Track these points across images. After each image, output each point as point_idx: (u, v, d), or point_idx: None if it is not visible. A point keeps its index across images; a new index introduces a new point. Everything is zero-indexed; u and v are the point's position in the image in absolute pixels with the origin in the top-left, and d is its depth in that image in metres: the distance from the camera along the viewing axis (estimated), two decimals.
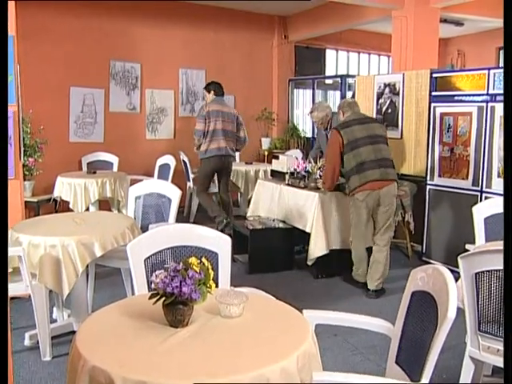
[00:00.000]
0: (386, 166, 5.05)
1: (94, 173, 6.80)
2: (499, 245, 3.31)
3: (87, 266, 3.90)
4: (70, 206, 6.43)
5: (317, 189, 5.58)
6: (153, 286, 2.13)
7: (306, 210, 5.56)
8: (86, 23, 8.15)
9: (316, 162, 5.69)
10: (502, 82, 4.11)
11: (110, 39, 8.42)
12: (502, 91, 5.35)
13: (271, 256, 5.78)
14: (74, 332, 3.49)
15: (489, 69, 5.53)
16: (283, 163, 6.34)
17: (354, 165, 5.00)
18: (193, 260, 2.15)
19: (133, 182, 5.33)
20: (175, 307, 2.09)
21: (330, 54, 11.55)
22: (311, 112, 6.32)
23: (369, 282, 5.15)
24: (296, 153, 8.57)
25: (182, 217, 7.93)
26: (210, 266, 2.20)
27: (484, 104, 5.46)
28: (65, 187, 6.46)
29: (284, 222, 5.95)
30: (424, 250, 6.20)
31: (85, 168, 7.68)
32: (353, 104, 5.37)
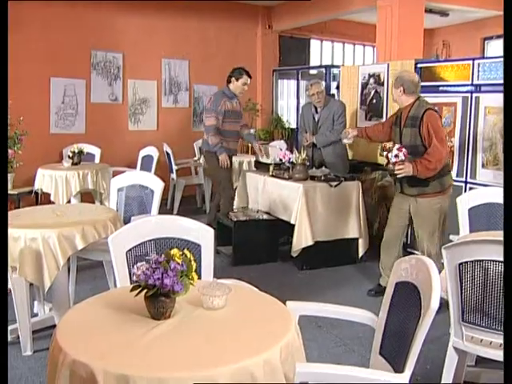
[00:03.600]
0: None
1: (77, 164, 6.72)
2: (483, 235, 3.32)
3: (69, 259, 3.85)
4: (52, 198, 6.35)
5: (301, 179, 5.55)
6: (134, 278, 2.10)
7: (291, 201, 5.53)
8: (66, 12, 8.03)
9: (300, 152, 5.66)
10: (502, 75, 4.05)
11: (91, 29, 8.31)
12: (486, 81, 5.36)
13: (255, 248, 5.76)
14: (55, 326, 3.45)
15: (473, 59, 5.53)
16: (267, 154, 6.33)
17: (448, 158, 4.64)
18: (175, 252, 2.12)
19: (115, 174, 5.27)
20: (157, 299, 2.06)
21: (314, 44, 11.51)
22: (312, 84, 6.24)
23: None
24: (280, 144, 8.56)
25: (165, 209, 7.88)
26: (192, 258, 2.17)
27: (469, 94, 5.46)
28: (46, 179, 6.38)
29: (268, 213, 5.93)
30: (408, 241, 6.20)
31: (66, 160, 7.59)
32: (419, 85, 4.69)
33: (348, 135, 5.01)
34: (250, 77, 6.41)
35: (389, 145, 4.44)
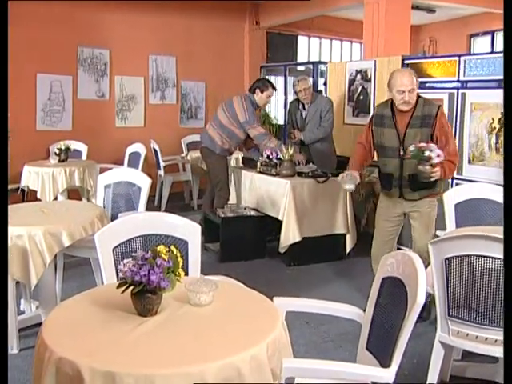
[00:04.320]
0: None
1: (63, 161, 6.69)
2: (469, 230, 3.34)
3: (55, 257, 3.84)
4: (38, 195, 6.32)
5: (288, 176, 5.56)
6: (121, 274, 2.10)
7: (278, 197, 5.54)
8: (52, 9, 7.97)
9: (287, 149, 5.67)
10: (503, 69, 4.05)
11: (78, 25, 8.26)
12: (472, 78, 5.38)
13: (243, 244, 5.76)
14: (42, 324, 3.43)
15: (459, 55, 5.56)
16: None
17: None
18: (161, 248, 2.12)
19: (102, 171, 5.25)
20: (144, 296, 2.06)
21: (302, 41, 11.51)
22: (299, 81, 6.25)
23: None
24: None
25: (152, 206, 7.86)
26: (178, 254, 2.17)
27: (455, 91, 5.48)
28: (32, 176, 6.35)
29: (256, 209, 5.93)
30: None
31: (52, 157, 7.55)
32: None
33: (348, 182, 4.20)
34: (275, 89, 6.32)
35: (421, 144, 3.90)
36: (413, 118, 4.08)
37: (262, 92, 6.12)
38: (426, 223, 4.25)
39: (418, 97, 4.14)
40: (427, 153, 3.81)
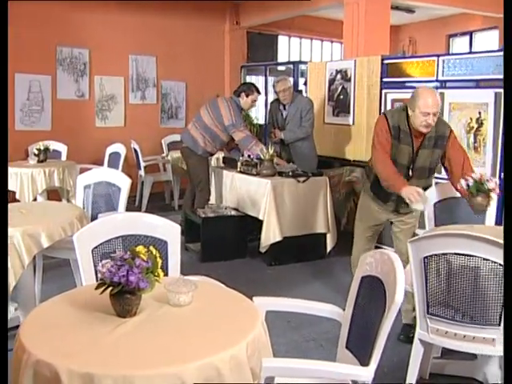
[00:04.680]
0: None
1: (42, 161, 6.63)
2: (447, 229, 3.37)
3: (34, 258, 3.80)
4: (17, 196, 6.25)
5: (268, 175, 5.56)
6: (99, 275, 2.08)
7: (259, 197, 5.54)
8: (31, 8, 7.89)
9: (268, 149, 5.68)
10: (505, 67, 4.07)
11: (57, 24, 8.19)
12: (451, 78, 5.43)
13: (224, 244, 5.75)
14: None
15: (438, 55, 5.60)
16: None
17: None
18: (140, 248, 2.11)
19: (82, 171, 5.21)
20: (122, 297, 2.05)
21: (282, 41, 11.53)
22: (278, 81, 6.26)
23: None
24: None
25: (133, 206, 7.83)
26: (158, 255, 2.16)
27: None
28: (11, 177, 6.28)
29: (236, 209, 5.93)
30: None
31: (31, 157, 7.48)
32: None
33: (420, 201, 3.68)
34: (259, 93, 6.35)
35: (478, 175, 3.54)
36: (426, 138, 3.83)
37: (247, 96, 6.14)
38: (409, 234, 4.11)
39: None
40: (490, 185, 3.47)
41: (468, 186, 3.48)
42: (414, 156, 3.87)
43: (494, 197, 3.54)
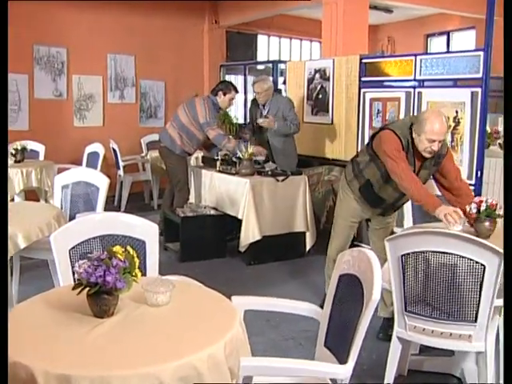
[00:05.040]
0: None
1: (20, 161, 6.56)
2: (424, 227, 3.40)
3: (11, 259, 3.76)
4: None
5: (247, 175, 5.57)
6: (76, 276, 2.07)
7: (238, 196, 5.55)
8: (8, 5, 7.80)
9: (247, 148, 5.68)
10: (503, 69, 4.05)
11: (34, 23, 8.11)
12: (428, 77, 5.47)
13: (203, 244, 5.74)
14: None
15: (415, 55, 5.64)
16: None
17: None
18: (117, 248, 2.10)
19: (60, 171, 5.16)
20: (100, 297, 2.03)
21: (261, 40, 11.55)
22: (255, 82, 6.25)
23: None
24: None
25: (112, 206, 7.78)
26: (135, 254, 2.15)
27: (412, 89, 5.56)
28: None
29: (216, 208, 5.92)
30: (355, 234, 6.28)
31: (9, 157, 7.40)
32: None
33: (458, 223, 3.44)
34: (237, 92, 6.35)
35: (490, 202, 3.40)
36: (428, 159, 3.74)
37: (224, 95, 6.14)
38: (387, 233, 4.11)
39: None
40: (502, 211, 3.33)
41: (479, 211, 3.35)
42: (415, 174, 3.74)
43: (500, 222, 3.39)
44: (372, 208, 4.09)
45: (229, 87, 6.20)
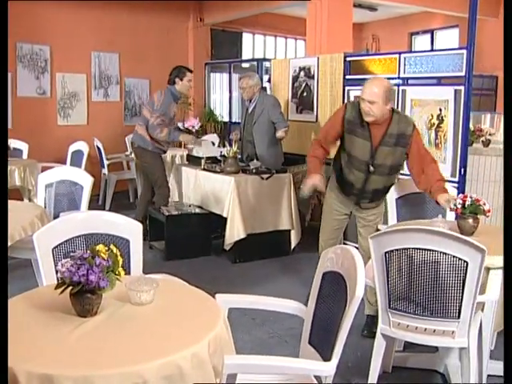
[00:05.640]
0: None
1: None
2: (408, 224, 3.42)
3: None
4: None
5: (232, 173, 5.57)
6: (59, 275, 2.06)
7: (223, 194, 5.54)
8: None
9: (231, 145, 5.68)
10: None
11: (16, 20, 8.02)
12: (412, 75, 5.50)
13: (188, 242, 5.73)
14: None
15: (399, 53, 5.66)
16: (199, 148, 6.30)
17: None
18: (100, 247, 2.09)
19: (44, 170, 5.14)
20: (83, 296, 2.02)
21: (246, 38, 11.54)
22: (241, 78, 6.23)
23: None
24: (213, 137, 8.53)
25: (97, 205, 7.74)
26: (118, 253, 2.14)
27: (396, 87, 5.58)
28: None
29: (201, 207, 5.91)
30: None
31: None
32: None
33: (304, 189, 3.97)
34: (191, 72, 6.33)
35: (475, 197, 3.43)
36: (387, 134, 3.78)
37: (181, 79, 6.15)
38: (372, 230, 4.03)
39: (393, 112, 3.83)
40: (486, 207, 3.39)
41: (464, 206, 3.37)
42: (373, 152, 3.82)
43: (482, 219, 3.42)
44: (348, 197, 4.12)
45: (182, 71, 6.21)
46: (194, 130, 6.47)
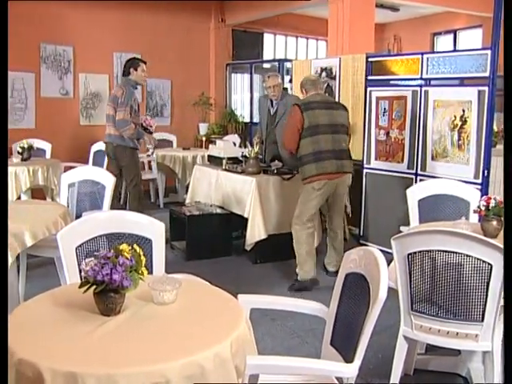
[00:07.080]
0: (342, 158, 4.88)
1: (26, 160, 6.58)
2: (430, 226, 3.39)
3: (18, 257, 3.77)
4: None
5: (253, 173, 5.56)
6: (83, 274, 2.07)
7: (244, 194, 5.54)
8: (14, 4, 7.81)
9: (253, 146, 5.67)
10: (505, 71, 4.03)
11: (40, 21, 8.14)
12: (435, 76, 5.46)
13: (209, 242, 5.75)
14: None
15: (422, 53, 5.63)
16: (220, 148, 6.31)
17: (312, 152, 4.79)
18: (124, 247, 2.10)
19: (67, 170, 5.19)
20: (106, 295, 2.03)
21: (267, 38, 11.54)
22: (268, 77, 6.12)
23: (329, 266, 5.35)
24: (234, 138, 8.55)
25: (118, 205, 7.78)
26: (141, 253, 2.15)
27: (418, 88, 5.56)
28: None
29: (222, 207, 5.92)
30: (361, 233, 6.28)
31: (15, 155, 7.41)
32: (317, 82, 5.10)
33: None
34: (144, 63, 6.24)
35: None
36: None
37: (135, 69, 6.08)
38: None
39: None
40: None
41: (487, 208, 3.31)
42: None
43: None
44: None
45: (135, 62, 6.17)
46: (152, 131, 6.46)
